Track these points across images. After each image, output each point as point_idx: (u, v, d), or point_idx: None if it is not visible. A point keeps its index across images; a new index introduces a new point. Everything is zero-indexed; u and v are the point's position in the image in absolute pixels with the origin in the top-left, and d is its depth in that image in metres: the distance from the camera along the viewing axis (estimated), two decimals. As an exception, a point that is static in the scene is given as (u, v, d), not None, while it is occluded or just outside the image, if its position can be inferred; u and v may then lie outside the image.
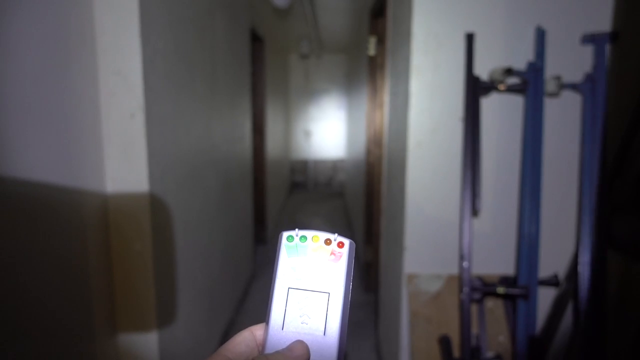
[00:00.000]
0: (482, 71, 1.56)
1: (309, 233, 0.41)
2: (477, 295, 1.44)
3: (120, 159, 1.36)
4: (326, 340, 0.37)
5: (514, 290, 1.41)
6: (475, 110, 1.53)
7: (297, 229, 0.41)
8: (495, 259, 1.67)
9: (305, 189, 7.46)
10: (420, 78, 1.60)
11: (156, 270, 1.44)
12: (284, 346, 0.37)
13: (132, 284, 1.41)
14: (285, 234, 0.41)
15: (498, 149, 1.62)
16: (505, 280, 1.60)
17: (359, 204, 3.75)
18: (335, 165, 7.41)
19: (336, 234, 0.41)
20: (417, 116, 1.62)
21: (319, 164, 7.45)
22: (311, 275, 0.39)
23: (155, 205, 1.43)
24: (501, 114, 1.61)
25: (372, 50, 2.92)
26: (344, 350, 0.37)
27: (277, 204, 5.33)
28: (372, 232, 3.14)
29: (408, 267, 1.68)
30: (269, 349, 0.37)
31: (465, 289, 1.42)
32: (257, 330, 0.39)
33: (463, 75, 1.57)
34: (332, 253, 0.40)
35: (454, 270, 1.66)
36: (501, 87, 1.53)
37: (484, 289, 1.44)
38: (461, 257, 1.44)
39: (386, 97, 2.26)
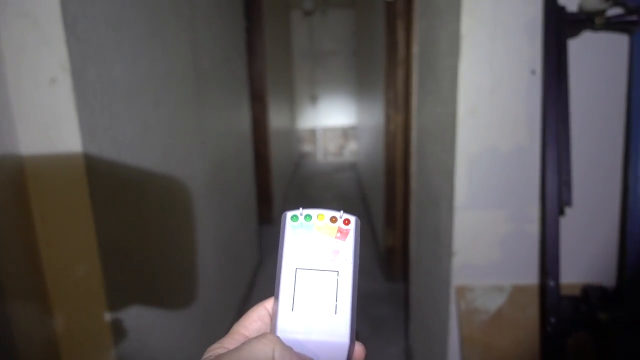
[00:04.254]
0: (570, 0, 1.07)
1: (313, 212, 0.39)
2: (567, 327, 1.00)
3: (42, 137, 0.91)
4: (337, 319, 0.35)
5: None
6: (561, 58, 1.05)
7: (301, 208, 0.39)
8: (574, 263, 1.22)
9: (314, 159, 6.99)
10: (475, 14, 1.12)
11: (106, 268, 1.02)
12: (295, 327, 0.35)
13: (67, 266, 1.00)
14: (289, 214, 0.39)
15: (589, 114, 1.14)
16: (594, 293, 1.16)
17: (376, 178, 3.29)
18: (345, 133, 6.91)
19: (342, 211, 0.39)
20: (471, 69, 1.14)
21: (328, 132, 6.95)
22: (318, 254, 0.37)
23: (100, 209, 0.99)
24: (595, 62, 1.12)
25: (390, -5, 2.39)
26: (354, 328, 0.35)
27: (284, 178, 4.89)
28: (393, 213, 2.70)
29: (458, 277, 1.25)
30: (280, 332, 0.35)
31: (552, 320, 0.98)
32: (269, 305, 0.37)
33: (540, 6, 1.08)
34: (339, 231, 0.38)
35: (521, 279, 1.23)
36: (599, 20, 1.04)
37: (579, 316, 1.01)
38: (546, 274, 0.99)
39: (415, 48, 1.76)
